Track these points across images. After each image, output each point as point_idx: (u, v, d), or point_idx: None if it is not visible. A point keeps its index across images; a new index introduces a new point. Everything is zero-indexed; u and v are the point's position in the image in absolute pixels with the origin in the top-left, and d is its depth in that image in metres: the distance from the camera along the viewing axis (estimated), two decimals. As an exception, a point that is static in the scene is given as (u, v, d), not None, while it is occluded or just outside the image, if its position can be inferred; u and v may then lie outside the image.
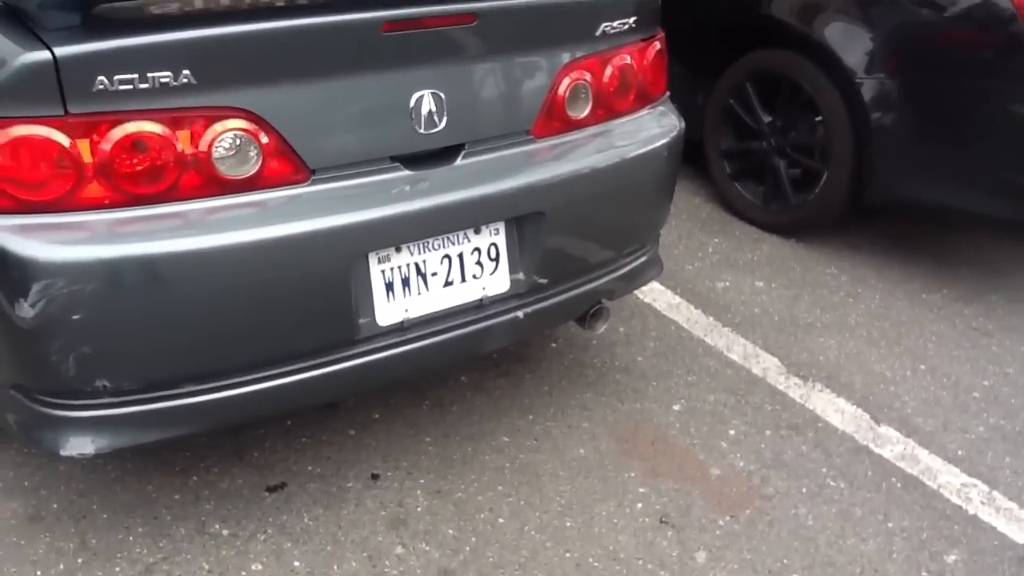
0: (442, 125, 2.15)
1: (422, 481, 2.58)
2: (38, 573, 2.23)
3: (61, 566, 2.25)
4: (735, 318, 3.51)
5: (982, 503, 2.66)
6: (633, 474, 2.66)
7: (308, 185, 2.01)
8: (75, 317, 1.80)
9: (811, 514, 2.56)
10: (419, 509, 2.48)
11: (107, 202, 1.82)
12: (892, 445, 2.86)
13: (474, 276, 2.31)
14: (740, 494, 2.62)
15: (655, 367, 3.17)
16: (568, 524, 2.47)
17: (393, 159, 2.12)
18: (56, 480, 2.50)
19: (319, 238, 1.99)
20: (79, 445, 1.95)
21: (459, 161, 2.21)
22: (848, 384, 3.15)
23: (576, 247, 2.49)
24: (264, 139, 1.93)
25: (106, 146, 1.79)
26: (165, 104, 1.82)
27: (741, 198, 4.31)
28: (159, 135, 1.82)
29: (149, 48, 1.77)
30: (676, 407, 2.97)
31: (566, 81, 2.36)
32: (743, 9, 4.17)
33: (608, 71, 2.45)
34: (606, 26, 2.40)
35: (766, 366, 3.22)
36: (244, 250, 1.91)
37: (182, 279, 1.87)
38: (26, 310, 1.78)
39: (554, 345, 3.25)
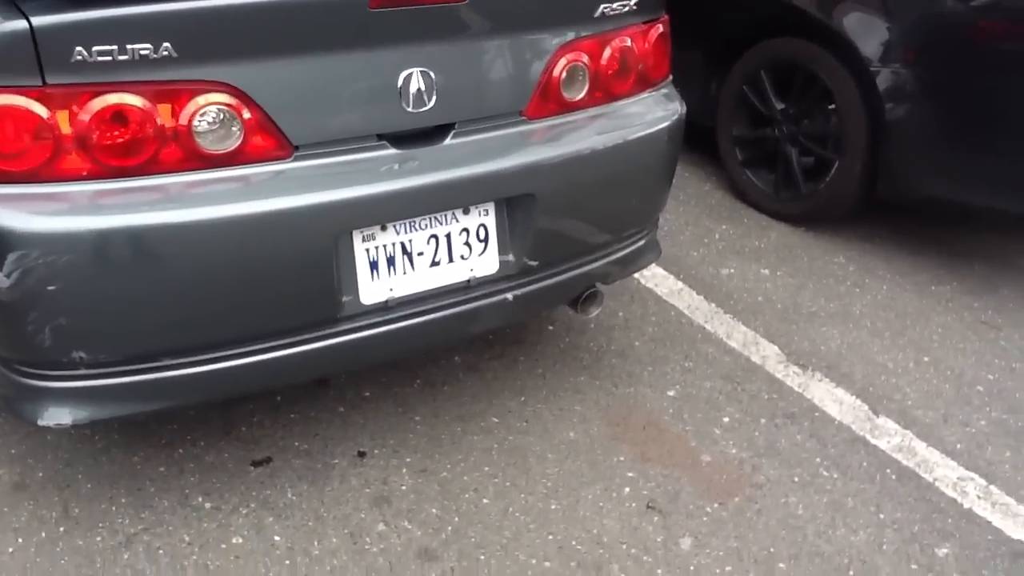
0: (431, 104, 2.13)
1: (408, 460, 2.58)
2: (19, 540, 2.25)
3: (43, 534, 2.27)
4: (737, 305, 3.47)
5: (978, 497, 2.62)
6: (622, 458, 2.64)
7: (291, 161, 2.00)
8: (51, 288, 1.81)
9: (801, 503, 2.54)
10: (403, 488, 2.48)
11: (85, 174, 1.82)
12: (889, 437, 2.82)
13: (462, 257, 2.30)
14: (730, 481, 2.60)
15: (652, 352, 3.14)
16: (553, 507, 2.46)
17: (380, 137, 2.10)
18: (43, 449, 2.53)
19: (301, 214, 1.98)
20: (57, 416, 1.97)
21: (448, 141, 2.19)
22: (848, 374, 3.11)
23: (568, 230, 2.46)
24: (247, 114, 1.92)
25: (85, 117, 1.78)
26: (145, 76, 1.81)
27: (752, 186, 4.26)
28: (139, 108, 1.82)
29: (128, 19, 1.76)
30: (671, 393, 2.95)
31: (562, 62, 2.33)
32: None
33: (607, 53, 2.42)
34: (605, 7, 2.36)
35: (765, 354, 3.18)
36: (224, 225, 1.91)
37: (160, 252, 1.87)
38: (2, 280, 1.78)
39: (551, 328, 3.23)
